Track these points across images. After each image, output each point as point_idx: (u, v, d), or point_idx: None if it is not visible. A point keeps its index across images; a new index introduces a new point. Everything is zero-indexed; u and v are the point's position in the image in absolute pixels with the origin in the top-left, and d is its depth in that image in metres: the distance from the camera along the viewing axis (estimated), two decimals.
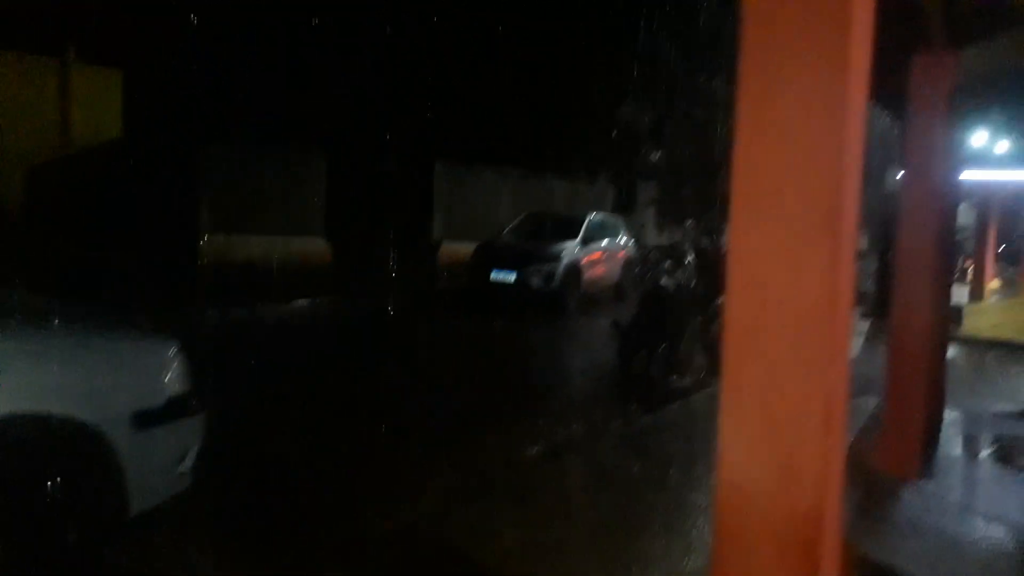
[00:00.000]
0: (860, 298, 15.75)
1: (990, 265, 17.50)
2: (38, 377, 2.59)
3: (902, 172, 4.87)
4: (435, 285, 14.42)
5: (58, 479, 2.63)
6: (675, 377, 7.48)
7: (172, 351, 3.11)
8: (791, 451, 1.69)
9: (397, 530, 3.53)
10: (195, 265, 12.32)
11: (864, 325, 12.30)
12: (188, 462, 3.13)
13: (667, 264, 12.14)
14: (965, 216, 24.35)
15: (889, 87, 5.01)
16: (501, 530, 3.54)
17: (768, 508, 1.72)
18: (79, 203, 13.17)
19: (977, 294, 15.86)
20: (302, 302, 11.01)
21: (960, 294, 15.72)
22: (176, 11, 13.40)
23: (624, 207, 22.00)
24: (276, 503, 3.87)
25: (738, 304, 1.75)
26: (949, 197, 6.93)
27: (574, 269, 12.50)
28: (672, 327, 7.88)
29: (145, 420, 2.88)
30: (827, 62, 1.63)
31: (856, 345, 10.16)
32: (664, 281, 8.61)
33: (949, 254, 7.32)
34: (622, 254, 14.44)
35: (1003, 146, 10.86)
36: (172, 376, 3.07)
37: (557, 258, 12.20)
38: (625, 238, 14.88)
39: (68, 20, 14.94)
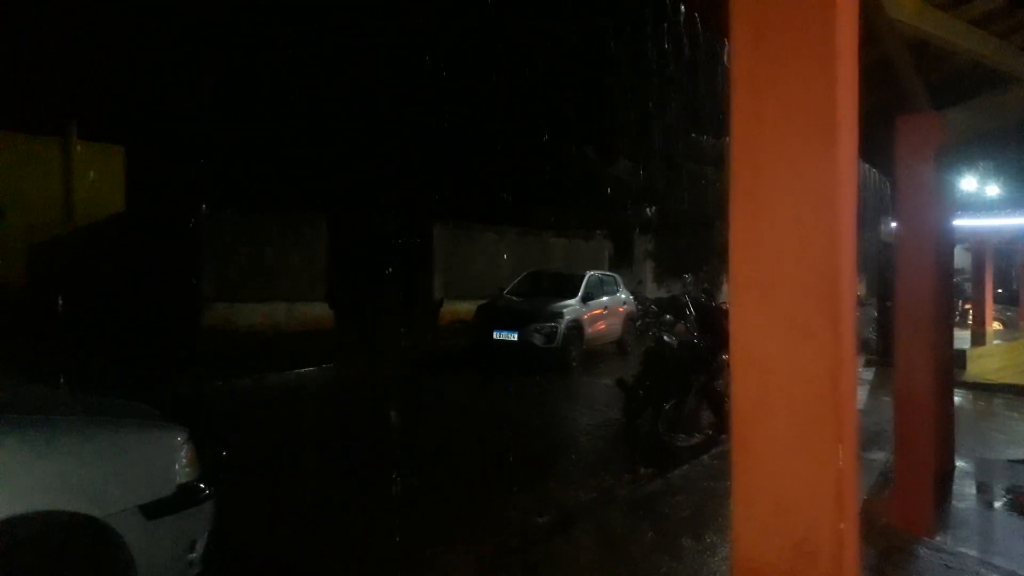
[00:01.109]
0: (863, 346, 15.78)
1: (990, 308, 17.52)
2: (46, 474, 2.59)
3: (894, 223, 4.94)
4: (438, 345, 14.43)
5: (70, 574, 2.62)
6: (684, 436, 7.44)
7: (181, 438, 3.13)
8: (805, 533, 1.70)
9: None
10: (197, 336, 12.35)
11: (869, 374, 12.27)
12: (199, 549, 3.11)
13: (667, 318, 12.19)
14: (962, 260, 24.57)
15: (879, 144, 5.15)
16: None
17: None
18: (82, 279, 13.24)
19: (979, 338, 15.84)
20: (309, 369, 10.99)
21: (962, 338, 15.71)
22: (174, 85, 13.74)
23: (622, 261, 22.14)
24: None
25: (743, 386, 1.78)
26: (942, 244, 7.03)
27: (576, 326, 12.54)
28: (677, 383, 7.85)
29: (155, 511, 2.88)
30: (816, 147, 1.69)
31: (863, 396, 10.12)
32: (666, 336, 8.60)
33: (947, 299, 7.37)
34: (623, 309, 14.50)
35: (994, 191, 11.03)
36: (181, 464, 3.08)
37: (559, 316, 12.25)
38: (624, 294, 14.96)
39: (69, 100, 15.27)
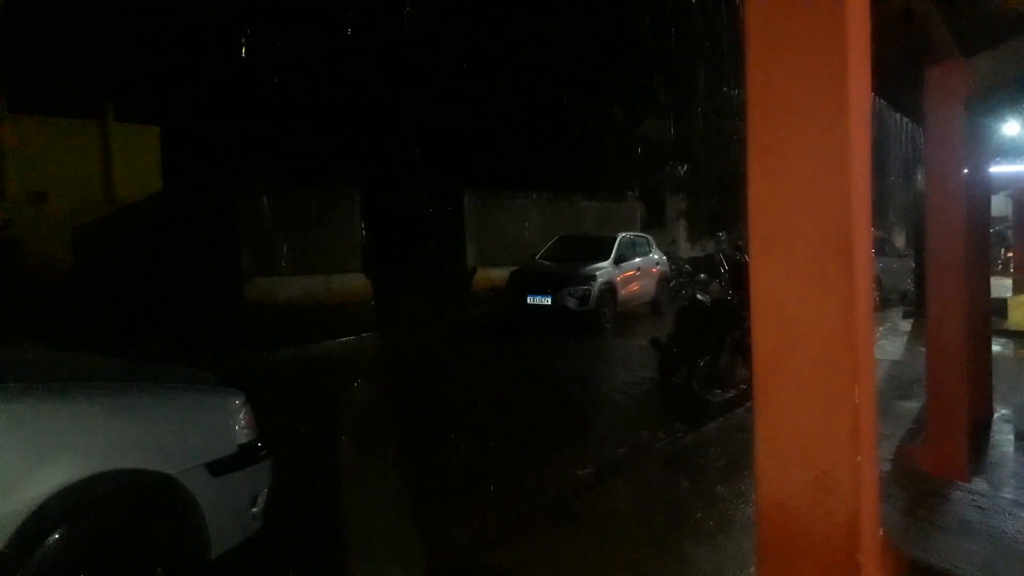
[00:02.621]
0: (901, 298, 15.62)
1: None
2: (123, 435, 2.82)
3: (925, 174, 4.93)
4: (473, 312, 14.65)
5: (146, 528, 2.86)
6: (719, 391, 7.55)
7: (239, 402, 3.34)
8: (824, 467, 1.82)
9: (456, 557, 3.70)
10: (239, 310, 12.70)
11: (907, 325, 12.20)
12: (260, 504, 3.34)
13: (701, 277, 12.23)
14: (1006, 208, 23.97)
15: (910, 95, 5.13)
16: (559, 554, 3.68)
17: (806, 521, 1.85)
18: (126, 259, 13.67)
19: (1021, 285, 15.55)
20: (348, 339, 11.28)
21: (1003, 287, 15.46)
22: (208, 66, 13.95)
23: (654, 222, 22.06)
24: (342, 537, 4.06)
25: (763, 332, 1.90)
26: (976, 192, 6.95)
27: (609, 288, 12.64)
28: (711, 340, 7.95)
29: (220, 469, 3.10)
30: (829, 104, 1.78)
31: (899, 347, 10.11)
32: (700, 295, 8.68)
33: (982, 248, 7.31)
34: (656, 270, 14.55)
35: None
36: (241, 426, 3.30)
37: (592, 279, 12.35)
38: (657, 254, 14.98)
39: (105, 82, 15.59)
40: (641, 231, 17.42)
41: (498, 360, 10.34)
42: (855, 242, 1.75)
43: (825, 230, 1.78)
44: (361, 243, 15.42)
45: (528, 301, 12.38)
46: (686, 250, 22.03)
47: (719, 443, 5.48)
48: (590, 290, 12.20)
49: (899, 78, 5.20)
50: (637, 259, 14.02)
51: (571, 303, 12.10)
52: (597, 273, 12.52)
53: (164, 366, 3.77)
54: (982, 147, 7.60)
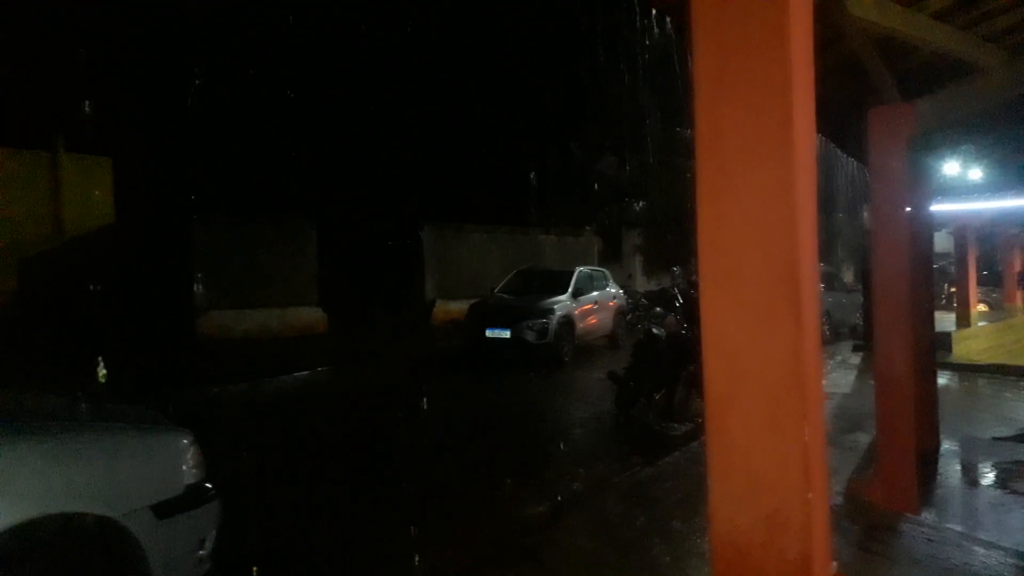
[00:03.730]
0: (851, 332, 15.98)
1: (974, 291, 17.78)
2: (62, 477, 2.71)
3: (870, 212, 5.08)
4: (431, 345, 14.56)
5: (87, 574, 2.75)
6: (675, 424, 7.60)
7: (187, 441, 3.25)
8: (776, 505, 1.84)
9: None
10: (192, 344, 12.43)
11: (856, 358, 12.47)
12: (208, 546, 3.24)
13: (657, 310, 12.37)
14: (947, 244, 24.85)
15: (855, 136, 5.31)
16: None
17: (759, 559, 1.86)
18: (75, 291, 13.31)
19: (964, 320, 16.10)
20: (304, 373, 11.10)
21: (948, 321, 15.95)
22: (160, 95, 13.80)
23: (610, 256, 22.31)
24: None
25: (714, 370, 1.92)
26: (918, 229, 7.19)
27: (567, 321, 12.71)
28: (667, 373, 8.02)
29: (165, 511, 3.00)
30: (775, 148, 1.82)
31: (849, 380, 10.31)
32: (655, 329, 8.77)
33: (925, 283, 7.54)
34: (613, 303, 14.68)
35: (976, 176, 11.21)
36: (188, 465, 3.21)
37: (550, 312, 12.41)
38: (614, 288, 15.12)
39: (56, 113, 15.31)
40: (598, 265, 17.60)
41: (456, 394, 10.27)
42: (802, 281, 1.79)
43: (773, 269, 1.82)
44: (318, 276, 15.27)
45: (487, 334, 12.37)
46: (642, 284, 22.29)
47: (675, 477, 5.50)
48: (548, 323, 12.24)
49: (845, 120, 5.39)
50: (595, 292, 14.15)
51: (530, 336, 12.12)
52: (555, 306, 12.59)
53: (109, 404, 3.66)
54: (924, 186, 7.87)
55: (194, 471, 3.23)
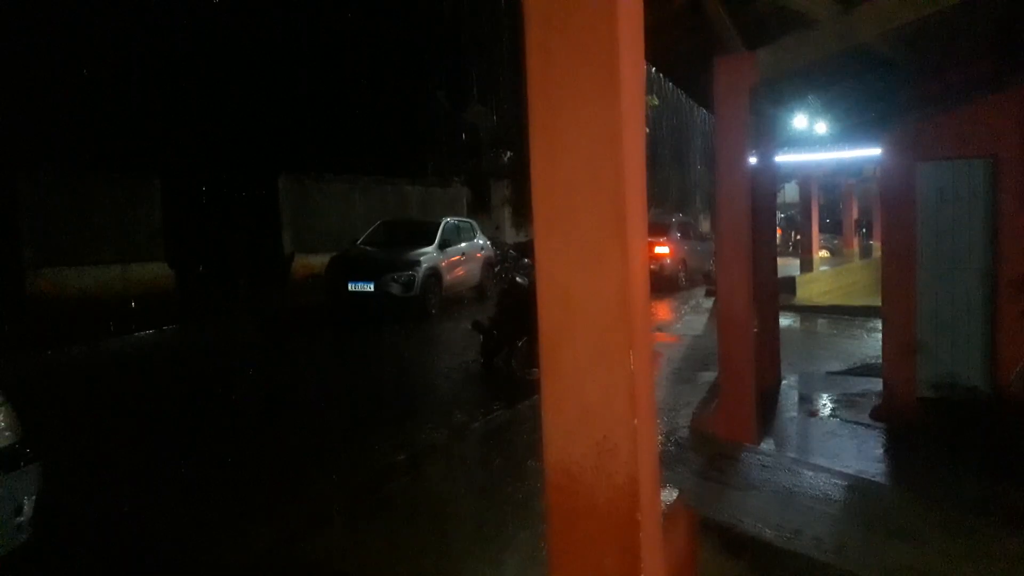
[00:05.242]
0: (705, 278, 16.86)
1: (816, 238, 19.15)
2: None
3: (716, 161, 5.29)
4: (290, 301, 14.09)
5: None
6: (536, 370, 7.76)
7: None
8: (605, 432, 1.88)
9: (260, 553, 3.53)
10: (20, 304, 11.42)
11: (709, 303, 13.16)
12: (26, 512, 3.01)
13: (525, 261, 12.54)
14: (792, 194, 26.58)
15: (703, 84, 5.48)
16: (370, 544, 3.61)
17: (590, 484, 1.91)
18: None
19: (808, 265, 17.34)
20: (148, 332, 10.46)
21: (793, 266, 17.13)
22: None
23: (479, 208, 22.31)
24: (125, 545, 3.76)
25: (547, 308, 1.94)
26: (761, 178, 7.60)
27: (434, 274, 12.62)
28: (530, 321, 8.14)
29: None
30: (602, 85, 1.82)
31: (701, 323, 10.88)
32: (519, 278, 8.90)
33: (768, 229, 8.01)
34: (480, 255, 14.71)
35: (822, 129, 11.93)
36: None
37: (416, 264, 12.27)
38: (482, 240, 15.15)
39: None
40: (467, 217, 17.54)
41: (315, 350, 10.03)
42: (629, 218, 1.82)
43: (601, 207, 1.83)
44: (163, 230, 14.26)
45: (349, 288, 12.09)
46: (511, 236, 22.49)
47: (531, 419, 5.62)
48: (415, 276, 12.11)
49: (693, 69, 5.56)
50: (462, 244, 14.11)
51: (395, 289, 11.95)
52: (422, 258, 12.46)
53: None
54: (770, 136, 8.32)
55: (7, 434, 2.96)
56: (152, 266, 13.94)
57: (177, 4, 14.48)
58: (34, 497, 3.00)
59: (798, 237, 23.02)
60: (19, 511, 2.92)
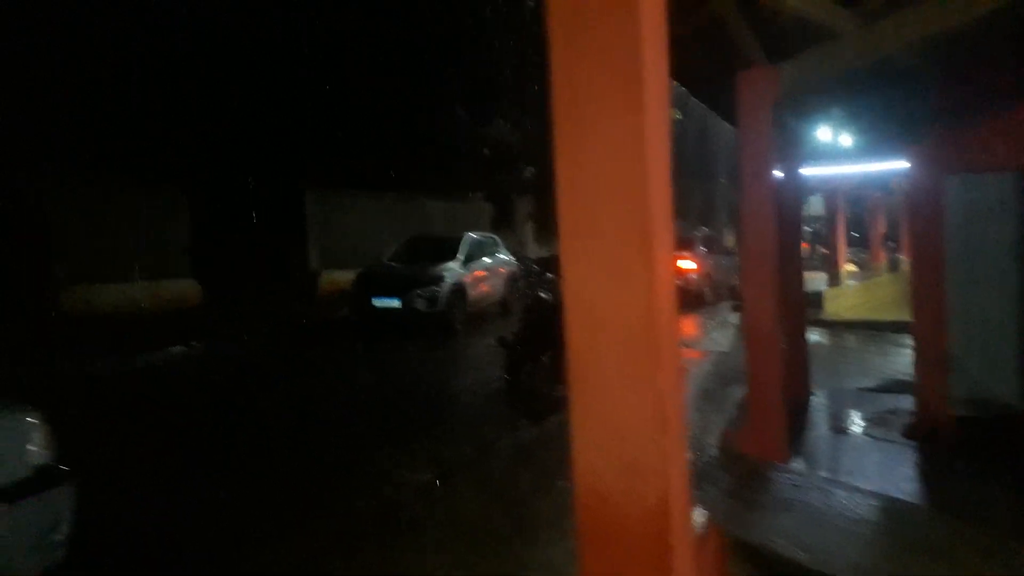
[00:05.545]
0: (731, 292, 16.72)
1: (843, 251, 18.93)
2: None
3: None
4: (316, 316, 14.18)
5: None
6: (560, 386, 7.72)
7: (33, 419, 3.02)
8: (635, 452, 1.87)
9: (290, 569, 3.54)
10: (53, 320, 11.61)
11: (735, 318, 13.04)
12: (63, 531, 3.04)
13: (548, 276, 12.51)
14: (818, 207, 26.32)
15: (726, 99, 5.45)
16: (398, 561, 3.60)
17: (620, 505, 1.89)
18: None
19: (835, 279, 17.13)
20: (176, 349, 10.57)
21: (820, 280, 16.94)
22: (16, 45, 12.61)
23: (502, 223, 22.36)
24: (156, 562, 3.78)
25: (575, 325, 1.93)
26: (786, 191, 7.53)
27: (458, 289, 12.63)
28: (554, 336, 8.10)
29: (12, 494, 2.78)
30: (627, 101, 1.82)
31: (728, 338, 10.78)
32: (543, 292, 8.88)
33: (794, 243, 7.91)
34: (504, 270, 14.72)
35: (847, 141, 11.83)
36: (37, 446, 2.98)
37: (441, 279, 12.29)
38: (506, 255, 15.17)
39: None
40: (490, 233, 17.59)
41: (342, 366, 10.07)
42: (655, 233, 1.81)
43: (626, 222, 1.83)
44: (191, 247, 14.45)
45: (375, 304, 12.14)
46: (534, 251, 22.50)
47: (559, 436, 5.59)
48: (439, 291, 12.13)
49: (716, 84, 5.53)
50: (486, 259, 14.13)
51: (420, 304, 11.98)
52: (446, 274, 12.49)
53: None
54: (795, 149, 8.24)
55: (44, 452, 3.00)
56: (181, 282, 14.13)
57: (208, 23, 14.72)
58: (71, 515, 3.04)
59: (824, 251, 22.77)
60: (55, 529, 2.96)
